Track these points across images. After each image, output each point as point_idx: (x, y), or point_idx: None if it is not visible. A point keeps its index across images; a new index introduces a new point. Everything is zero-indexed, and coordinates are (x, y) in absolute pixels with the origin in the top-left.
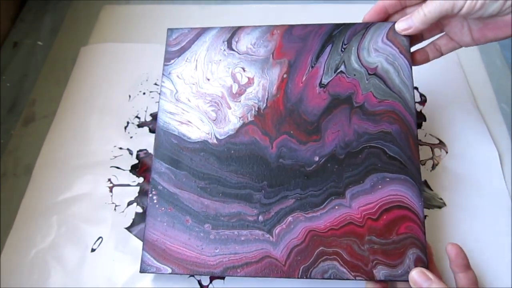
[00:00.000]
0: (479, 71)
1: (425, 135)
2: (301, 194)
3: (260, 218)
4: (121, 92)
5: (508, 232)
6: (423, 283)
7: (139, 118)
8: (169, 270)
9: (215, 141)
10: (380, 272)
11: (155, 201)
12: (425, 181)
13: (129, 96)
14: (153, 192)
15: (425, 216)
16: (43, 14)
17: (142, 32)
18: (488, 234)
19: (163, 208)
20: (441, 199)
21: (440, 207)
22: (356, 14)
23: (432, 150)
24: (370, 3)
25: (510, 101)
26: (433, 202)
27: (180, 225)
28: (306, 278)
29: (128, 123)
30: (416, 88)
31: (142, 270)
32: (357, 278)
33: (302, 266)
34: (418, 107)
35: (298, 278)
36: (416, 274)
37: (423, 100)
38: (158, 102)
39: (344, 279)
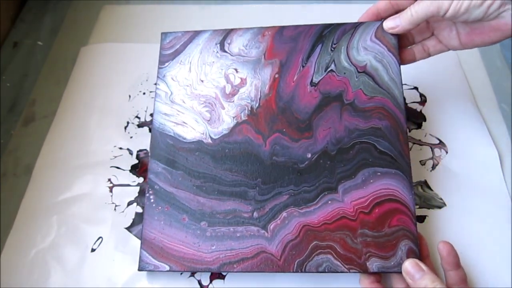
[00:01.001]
0: (479, 71)
1: (425, 135)
2: (295, 190)
3: (255, 214)
4: (121, 92)
5: (508, 232)
6: (415, 274)
7: (139, 118)
8: (167, 268)
9: (209, 140)
10: (373, 264)
11: (152, 200)
12: (425, 181)
13: (129, 96)
14: (150, 192)
15: (425, 216)
16: (43, 14)
17: (142, 32)
18: (488, 234)
19: (160, 207)
20: (441, 199)
21: (440, 207)
22: (355, 14)
23: (432, 150)
24: (369, 3)
25: (510, 101)
26: (433, 202)
27: (177, 223)
28: (301, 272)
29: (128, 123)
30: (416, 88)
31: (140, 268)
32: (351, 270)
33: (297, 260)
34: (418, 107)
35: (293, 272)
36: (409, 265)
37: (423, 100)
38: (154, 104)
39: (338, 272)
